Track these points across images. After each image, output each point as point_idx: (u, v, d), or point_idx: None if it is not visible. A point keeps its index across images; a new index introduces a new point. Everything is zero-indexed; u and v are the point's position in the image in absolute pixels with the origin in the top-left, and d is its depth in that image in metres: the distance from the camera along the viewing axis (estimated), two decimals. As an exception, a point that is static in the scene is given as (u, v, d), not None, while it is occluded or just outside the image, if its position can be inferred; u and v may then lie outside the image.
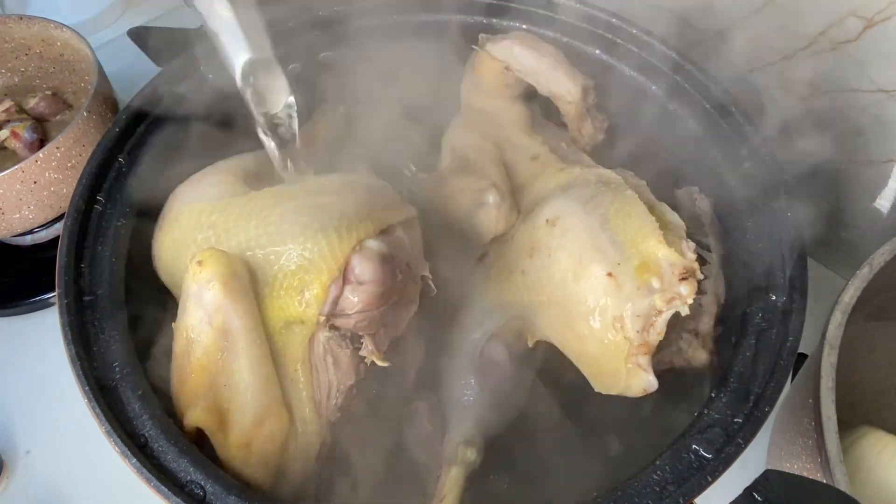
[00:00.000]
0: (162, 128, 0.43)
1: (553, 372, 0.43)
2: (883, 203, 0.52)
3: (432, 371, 0.41)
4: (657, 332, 0.34)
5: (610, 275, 0.35)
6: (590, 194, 0.39)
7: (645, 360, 0.35)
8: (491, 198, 0.43)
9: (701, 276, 0.35)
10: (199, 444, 0.33)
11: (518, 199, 0.44)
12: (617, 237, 0.36)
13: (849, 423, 0.42)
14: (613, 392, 0.37)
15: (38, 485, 0.48)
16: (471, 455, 0.37)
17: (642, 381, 0.35)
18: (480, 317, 0.41)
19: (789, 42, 0.49)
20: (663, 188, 0.43)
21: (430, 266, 0.39)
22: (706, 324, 0.38)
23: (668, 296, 0.34)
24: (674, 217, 0.38)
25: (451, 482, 0.37)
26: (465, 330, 0.41)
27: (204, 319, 0.33)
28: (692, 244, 0.36)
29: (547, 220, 0.39)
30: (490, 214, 0.43)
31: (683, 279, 0.34)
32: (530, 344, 0.41)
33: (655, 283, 0.35)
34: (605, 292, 0.35)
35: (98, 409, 0.31)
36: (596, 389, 0.38)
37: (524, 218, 0.43)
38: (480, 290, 0.43)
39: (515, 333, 0.41)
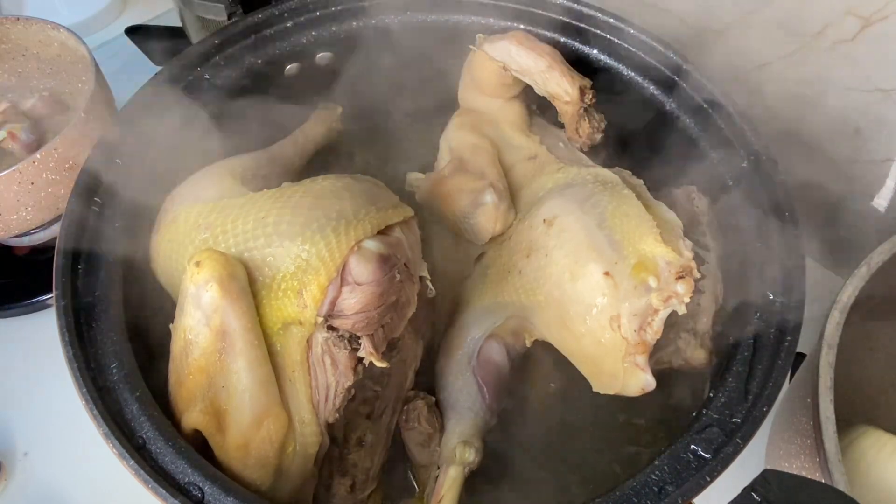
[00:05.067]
0: (159, 128, 0.43)
1: (551, 371, 0.43)
2: (880, 202, 0.52)
3: (431, 371, 0.41)
4: (654, 331, 0.34)
5: (607, 274, 0.35)
6: (587, 194, 0.39)
7: (642, 360, 0.35)
8: (488, 198, 0.43)
9: (698, 275, 0.35)
10: (198, 445, 0.33)
11: (516, 200, 0.44)
12: (614, 236, 0.36)
13: (847, 422, 0.42)
14: (612, 392, 0.37)
15: (36, 486, 0.48)
16: (469, 455, 0.37)
17: (640, 381, 0.35)
18: (478, 317, 0.41)
19: (787, 41, 0.49)
20: (661, 187, 0.43)
21: (428, 267, 0.39)
22: (704, 323, 0.38)
23: (665, 294, 0.34)
24: (671, 216, 0.38)
25: (448, 482, 0.37)
26: (463, 330, 0.41)
27: (202, 321, 0.33)
28: (689, 243, 0.36)
29: (544, 220, 0.39)
30: (488, 215, 0.43)
31: (680, 278, 0.34)
32: (528, 343, 0.41)
33: (652, 282, 0.35)
34: (602, 292, 0.35)
35: (96, 411, 0.31)
36: (594, 389, 0.38)
37: (522, 218, 0.43)
38: (478, 291, 0.42)
39: (513, 333, 0.41)
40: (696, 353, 0.38)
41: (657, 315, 0.34)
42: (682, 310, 0.34)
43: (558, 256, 0.37)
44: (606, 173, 0.41)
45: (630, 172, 0.43)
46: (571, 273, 0.36)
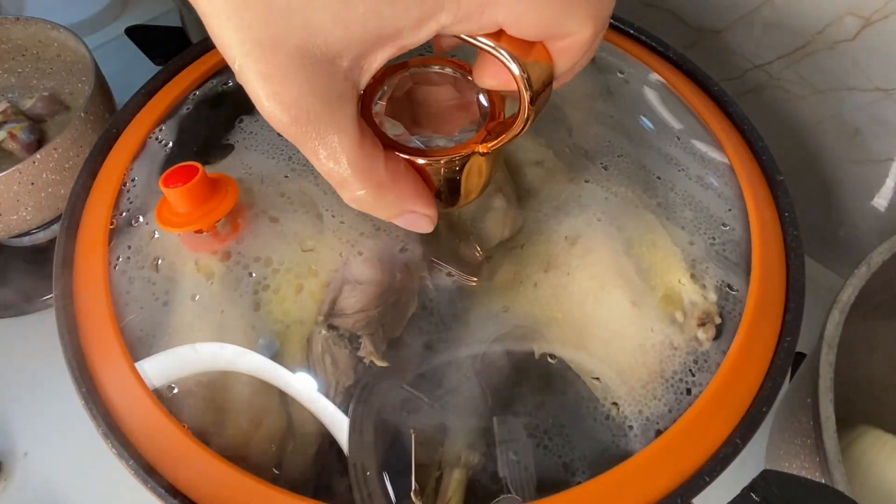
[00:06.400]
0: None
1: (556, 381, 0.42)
2: (880, 202, 0.52)
3: (432, 372, 0.41)
4: (673, 366, 0.34)
5: (634, 303, 0.35)
6: (610, 214, 0.39)
7: (660, 389, 0.34)
8: (497, 202, 0.42)
9: (719, 321, 0.35)
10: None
11: (524, 205, 0.44)
12: (642, 265, 0.36)
13: (848, 422, 0.42)
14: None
15: (36, 486, 0.48)
16: (473, 458, 0.37)
17: (655, 407, 0.34)
18: (483, 321, 0.41)
19: (787, 41, 0.49)
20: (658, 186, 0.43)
21: (432, 267, 0.39)
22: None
23: (687, 338, 0.34)
24: (685, 243, 0.38)
25: (454, 485, 0.37)
26: (467, 331, 0.41)
27: (201, 320, 0.33)
28: (713, 280, 0.36)
29: (566, 237, 0.39)
30: (497, 219, 0.42)
31: (701, 325, 0.34)
32: (536, 355, 0.40)
33: (679, 317, 0.35)
34: (629, 320, 0.35)
35: (95, 411, 0.31)
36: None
37: (536, 228, 0.42)
38: (484, 295, 0.42)
39: (520, 341, 0.40)
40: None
41: (677, 352, 0.34)
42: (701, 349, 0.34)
43: (581, 277, 0.37)
44: (623, 191, 0.40)
45: (642, 189, 0.42)
46: (596, 297, 0.36)
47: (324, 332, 0.34)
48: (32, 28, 0.57)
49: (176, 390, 0.33)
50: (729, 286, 0.36)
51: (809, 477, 0.35)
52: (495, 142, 0.30)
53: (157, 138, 0.41)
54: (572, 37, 0.24)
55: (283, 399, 0.34)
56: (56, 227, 0.54)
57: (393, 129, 0.31)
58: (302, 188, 0.37)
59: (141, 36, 0.68)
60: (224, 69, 0.45)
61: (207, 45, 0.46)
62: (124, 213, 0.37)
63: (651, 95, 0.44)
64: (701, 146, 0.42)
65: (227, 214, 0.33)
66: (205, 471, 0.30)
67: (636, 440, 0.33)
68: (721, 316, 0.35)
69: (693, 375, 0.34)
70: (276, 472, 0.32)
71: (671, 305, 0.35)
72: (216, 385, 0.33)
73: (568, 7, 0.23)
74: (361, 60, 0.23)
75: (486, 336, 0.39)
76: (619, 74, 0.45)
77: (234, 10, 0.21)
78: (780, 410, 0.42)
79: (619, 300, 0.36)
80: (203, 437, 0.32)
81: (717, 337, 0.34)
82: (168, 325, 0.34)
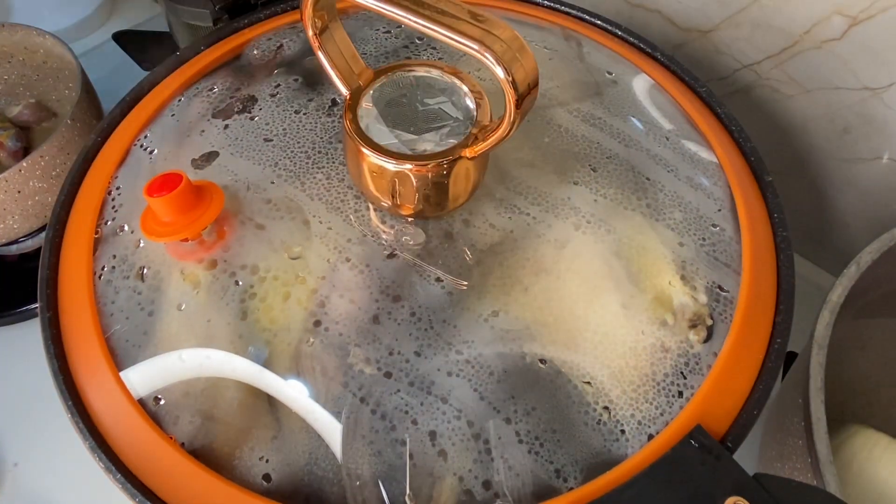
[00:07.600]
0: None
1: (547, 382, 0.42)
2: (869, 200, 0.52)
3: (423, 378, 0.41)
4: (664, 369, 0.34)
5: (624, 306, 0.35)
6: (598, 216, 0.39)
7: (651, 392, 0.34)
8: (486, 206, 0.42)
9: (710, 322, 0.35)
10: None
11: (513, 208, 0.44)
12: (631, 268, 0.36)
13: (839, 421, 0.42)
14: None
15: (26, 497, 0.48)
16: (466, 465, 0.37)
17: (647, 411, 0.34)
18: (474, 325, 0.41)
19: (775, 41, 0.49)
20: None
21: (421, 272, 0.38)
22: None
23: (678, 340, 0.34)
24: (674, 244, 0.38)
25: (447, 491, 0.37)
26: (457, 336, 0.41)
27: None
28: (703, 281, 0.35)
29: (556, 240, 0.39)
30: (486, 222, 0.42)
31: (693, 326, 0.34)
32: (527, 359, 0.40)
33: (669, 319, 0.35)
34: (620, 323, 0.35)
35: (81, 424, 0.31)
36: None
37: (526, 231, 0.42)
38: (475, 298, 0.42)
39: (511, 345, 0.40)
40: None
41: (668, 355, 0.34)
42: (692, 351, 0.34)
43: (572, 281, 0.37)
44: (612, 193, 0.40)
45: (631, 190, 0.42)
46: (586, 300, 0.36)
47: (312, 339, 0.34)
48: (18, 34, 0.57)
49: (163, 401, 0.33)
50: (720, 287, 0.36)
51: (802, 478, 0.35)
52: (482, 146, 0.30)
53: (141, 145, 0.40)
54: None
55: (273, 408, 0.34)
56: (43, 236, 0.54)
57: (380, 133, 0.31)
58: (288, 194, 0.37)
59: (128, 41, 0.68)
60: (211, 73, 0.45)
61: (194, 50, 0.46)
62: (109, 222, 0.37)
63: (640, 96, 0.44)
64: (690, 147, 0.42)
65: (212, 222, 0.33)
66: (193, 483, 0.30)
67: (628, 444, 0.33)
68: (712, 317, 0.35)
69: (684, 378, 0.34)
70: (266, 483, 0.32)
71: (662, 307, 0.35)
72: (203, 395, 0.33)
73: None
74: None
75: (477, 341, 0.39)
76: (607, 75, 0.45)
77: None
78: (774, 410, 0.42)
79: (610, 303, 0.36)
80: (191, 448, 0.32)
81: (707, 339, 0.34)
82: (154, 335, 0.34)
